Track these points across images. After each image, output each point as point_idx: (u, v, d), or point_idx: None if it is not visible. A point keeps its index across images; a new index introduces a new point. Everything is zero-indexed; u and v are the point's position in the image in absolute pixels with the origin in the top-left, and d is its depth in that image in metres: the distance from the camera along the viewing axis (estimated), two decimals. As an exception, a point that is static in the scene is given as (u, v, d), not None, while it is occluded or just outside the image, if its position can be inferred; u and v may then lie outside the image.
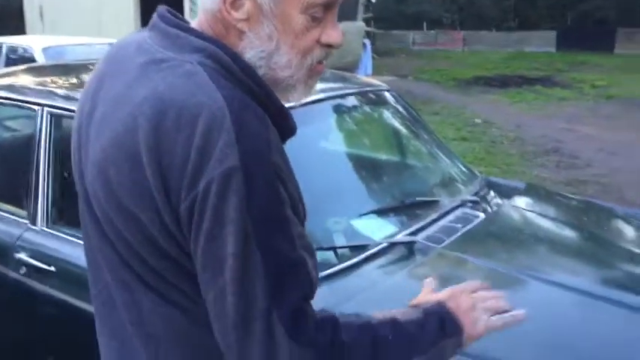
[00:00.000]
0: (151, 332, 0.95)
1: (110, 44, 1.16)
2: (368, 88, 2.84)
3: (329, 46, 0.97)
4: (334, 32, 0.97)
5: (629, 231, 2.47)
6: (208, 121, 0.83)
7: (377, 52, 21.99)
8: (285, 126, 0.96)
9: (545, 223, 2.31)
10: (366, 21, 17.82)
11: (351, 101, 2.70)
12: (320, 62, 0.99)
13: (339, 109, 2.63)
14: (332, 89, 2.60)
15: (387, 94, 2.87)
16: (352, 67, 14.98)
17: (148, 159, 0.85)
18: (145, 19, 9.89)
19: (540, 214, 2.36)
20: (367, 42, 15.97)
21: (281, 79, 0.97)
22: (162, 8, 1.01)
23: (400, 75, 18.54)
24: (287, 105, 0.97)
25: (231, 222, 0.82)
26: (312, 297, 0.91)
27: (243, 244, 0.83)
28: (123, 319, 0.97)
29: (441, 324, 1.00)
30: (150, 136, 0.85)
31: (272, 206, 0.86)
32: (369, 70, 15.84)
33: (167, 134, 0.84)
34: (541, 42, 27.63)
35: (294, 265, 0.88)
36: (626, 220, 2.51)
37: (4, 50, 8.12)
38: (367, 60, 15.67)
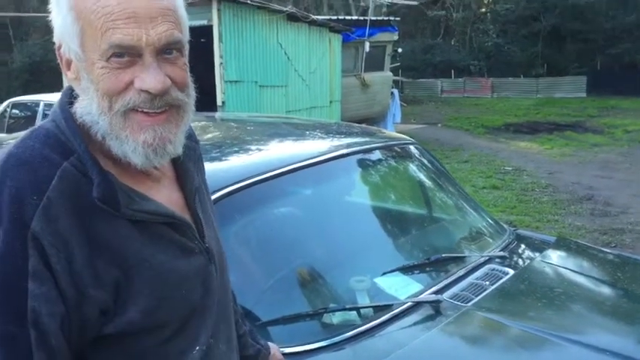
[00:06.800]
0: None
1: None
2: (392, 142, 2.82)
3: (147, 92, 0.93)
4: (148, 77, 0.92)
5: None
6: None
7: (405, 100, 22.15)
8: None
9: (578, 280, 2.22)
10: (394, 70, 18.01)
11: (376, 155, 2.69)
12: (143, 111, 0.94)
13: (363, 164, 2.62)
14: (356, 144, 2.60)
15: (411, 147, 2.85)
16: (380, 116, 15.11)
17: None
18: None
19: (572, 270, 2.27)
20: (395, 91, 16.13)
21: (104, 130, 0.95)
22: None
23: (429, 123, 18.58)
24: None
25: None
26: None
27: None
28: None
29: None
30: None
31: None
32: (398, 118, 15.95)
33: None
34: (571, 87, 27.49)
35: None
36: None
37: (41, 107, 8.40)
38: (395, 108, 15.80)
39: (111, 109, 0.93)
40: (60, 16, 0.95)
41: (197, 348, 1.04)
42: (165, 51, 0.94)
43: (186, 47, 1.01)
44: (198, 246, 1.06)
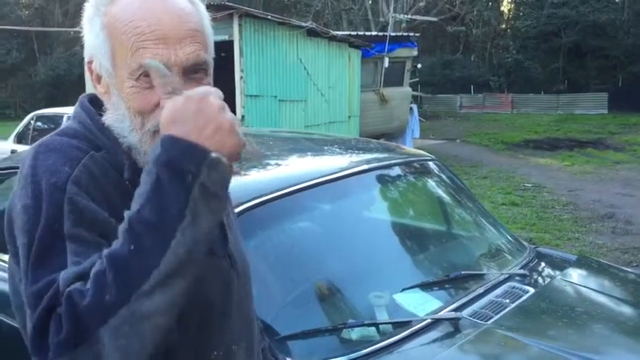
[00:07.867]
0: None
1: None
2: (412, 158, 2.83)
3: None
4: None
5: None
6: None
7: (424, 115, 22.12)
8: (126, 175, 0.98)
9: (599, 299, 2.20)
10: (413, 85, 18.02)
11: (395, 171, 2.69)
12: None
13: (383, 180, 2.63)
14: (376, 160, 2.61)
15: (431, 163, 2.86)
16: (399, 132, 15.10)
17: None
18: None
19: (593, 289, 2.25)
20: (414, 106, 16.12)
21: (132, 144, 0.98)
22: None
23: (448, 138, 18.52)
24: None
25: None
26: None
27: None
28: None
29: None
30: None
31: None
32: (416, 134, 15.92)
33: None
34: (592, 104, 27.26)
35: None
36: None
37: (64, 120, 8.53)
38: (414, 123, 15.77)
39: (142, 127, 0.97)
40: (92, 33, 0.99)
41: (215, 353, 1.05)
42: (191, 71, 0.97)
43: (212, 66, 1.03)
44: (220, 250, 1.08)
